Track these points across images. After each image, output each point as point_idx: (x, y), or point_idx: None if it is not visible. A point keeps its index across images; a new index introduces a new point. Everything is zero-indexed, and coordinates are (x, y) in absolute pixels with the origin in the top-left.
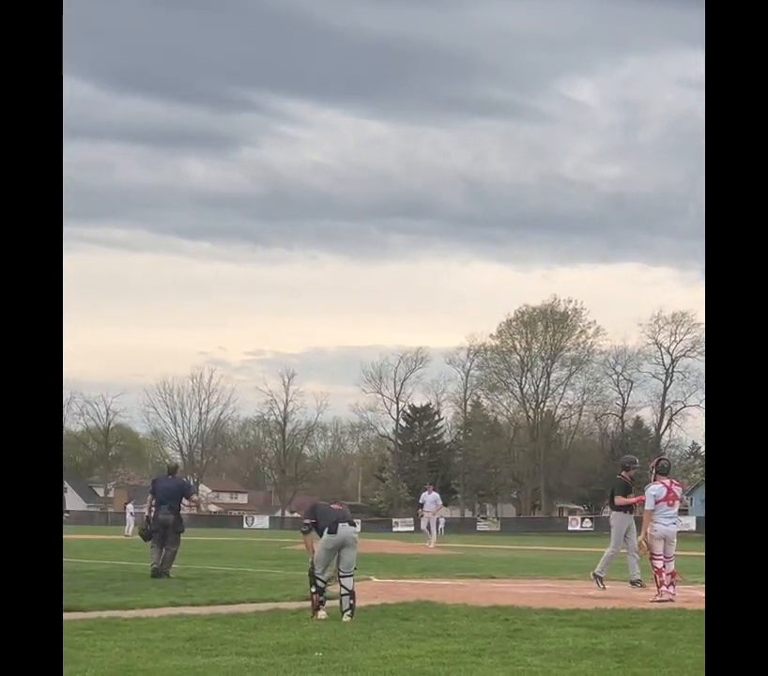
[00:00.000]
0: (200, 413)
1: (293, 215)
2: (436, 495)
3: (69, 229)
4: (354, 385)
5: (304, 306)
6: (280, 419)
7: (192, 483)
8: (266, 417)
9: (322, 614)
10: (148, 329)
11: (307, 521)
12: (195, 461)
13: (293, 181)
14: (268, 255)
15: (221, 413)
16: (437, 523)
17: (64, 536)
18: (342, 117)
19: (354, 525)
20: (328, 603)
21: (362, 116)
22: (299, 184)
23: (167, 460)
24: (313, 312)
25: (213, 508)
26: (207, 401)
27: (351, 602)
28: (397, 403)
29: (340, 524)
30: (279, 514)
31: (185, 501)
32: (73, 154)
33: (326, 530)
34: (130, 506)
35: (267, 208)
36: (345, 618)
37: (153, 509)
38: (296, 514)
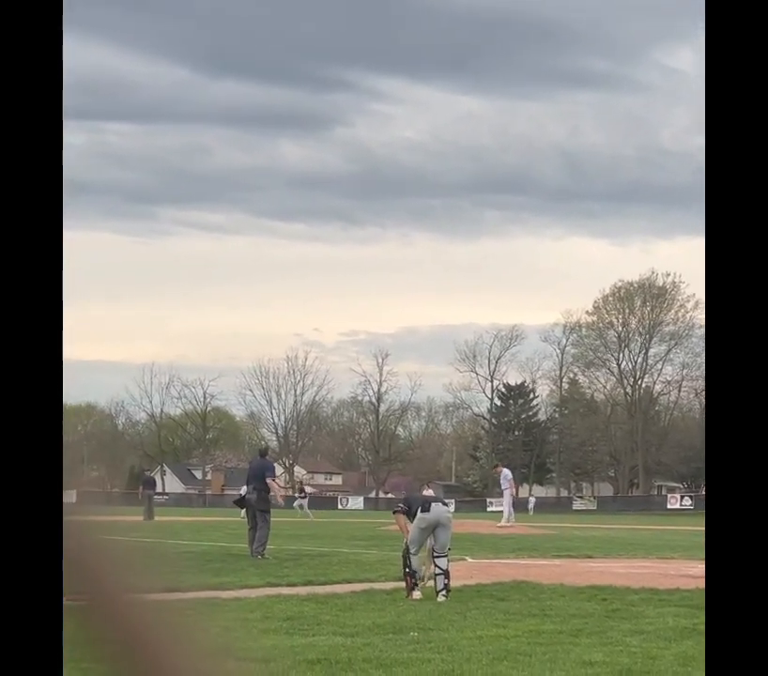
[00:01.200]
0: (295, 395)
1: (386, 193)
2: (508, 471)
3: (165, 213)
4: (448, 364)
5: (397, 285)
6: (374, 399)
7: (274, 464)
8: (360, 398)
9: (417, 594)
10: (244, 312)
11: (400, 505)
12: (290, 443)
13: (386, 159)
14: (361, 235)
15: (315, 395)
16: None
17: (163, 518)
18: (435, 93)
19: (447, 505)
20: (424, 584)
21: (456, 92)
22: (392, 162)
23: (261, 442)
24: (406, 291)
25: (308, 489)
26: (301, 383)
27: (446, 582)
28: (492, 381)
29: (433, 503)
30: (373, 494)
31: (268, 482)
32: (169, 138)
33: (419, 509)
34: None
35: (360, 188)
36: (440, 598)
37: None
38: (390, 495)
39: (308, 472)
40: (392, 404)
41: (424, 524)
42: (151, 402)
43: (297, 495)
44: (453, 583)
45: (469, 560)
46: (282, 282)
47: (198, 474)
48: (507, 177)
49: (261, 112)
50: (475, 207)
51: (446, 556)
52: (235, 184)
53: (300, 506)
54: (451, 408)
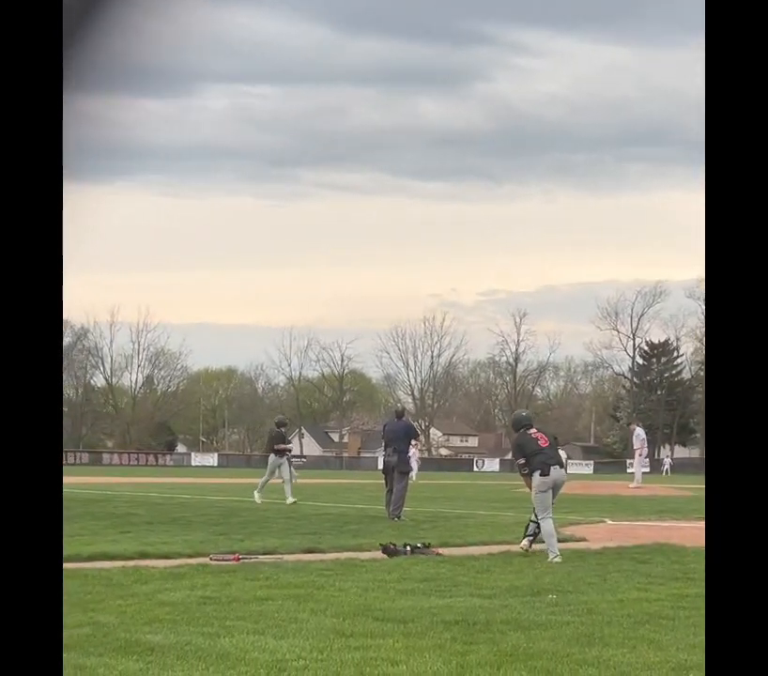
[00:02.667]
0: (432, 357)
1: (527, 150)
2: (641, 431)
3: (305, 175)
4: (588, 322)
5: (537, 243)
6: (511, 360)
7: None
8: (497, 358)
9: (524, 543)
10: (381, 273)
11: (520, 461)
12: (426, 405)
13: (527, 114)
14: (501, 192)
15: (452, 356)
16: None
17: (301, 481)
18: (578, 45)
19: (564, 467)
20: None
21: (600, 42)
22: (534, 117)
23: (398, 404)
24: (546, 248)
25: (444, 452)
26: (438, 344)
27: (536, 530)
28: (634, 339)
29: (552, 467)
30: (509, 456)
31: (412, 443)
32: (308, 100)
33: (538, 472)
34: (413, 451)
35: (500, 144)
36: (524, 542)
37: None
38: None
39: (444, 434)
40: (530, 364)
41: (545, 487)
42: (290, 365)
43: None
44: (593, 545)
45: (609, 522)
46: (420, 242)
47: (335, 437)
48: (651, 130)
49: (400, 70)
50: (618, 161)
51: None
52: (373, 144)
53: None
54: (590, 368)
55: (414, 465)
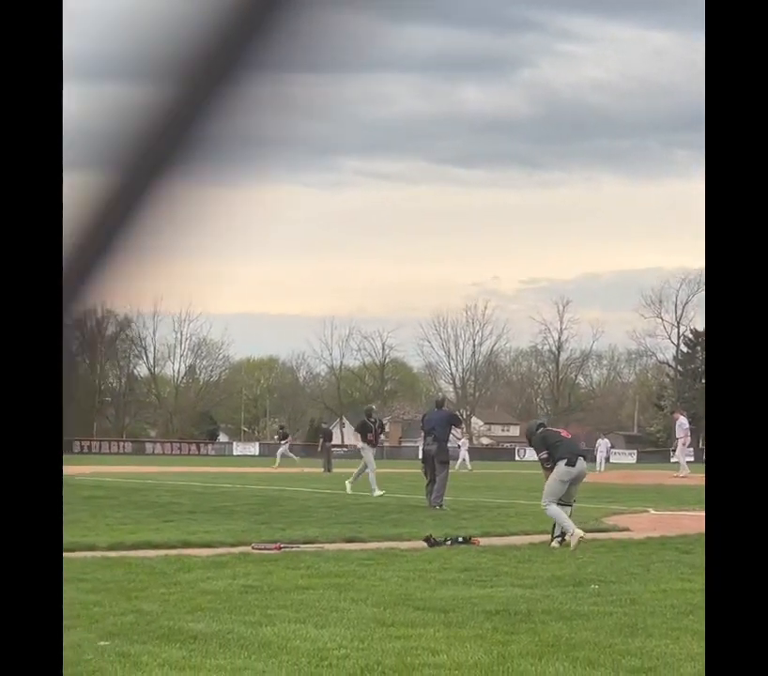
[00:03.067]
0: (473, 345)
1: (571, 136)
2: (684, 420)
3: (346, 163)
4: (632, 310)
5: (580, 230)
6: (553, 348)
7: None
8: (539, 347)
9: (555, 544)
10: (423, 262)
11: (543, 455)
12: (468, 394)
13: (572, 101)
14: (544, 179)
15: (494, 344)
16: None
17: (342, 470)
18: (624, 30)
19: (586, 458)
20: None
21: (647, 27)
22: (579, 103)
23: (439, 393)
24: (589, 236)
25: (485, 441)
26: (480, 332)
27: (562, 532)
28: (678, 327)
29: (579, 458)
30: None
31: (455, 432)
32: (350, 87)
33: (565, 461)
34: (463, 441)
35: (544, 131)
36: (554, 543)
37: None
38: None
39: (485, 423)
40: (573, 352)
41: (567, 477)
42: (331, 354)
43: (280, 441)
44: (636, 536)
45: (652, 511)
46: (461, 230)
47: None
48: (697, 115)
49: (444, 56)
50: (664, 146)
51: (571, 506)
52: (415, 132)
53: (282, 454)
54: (634, 356)
55: (465, 454)
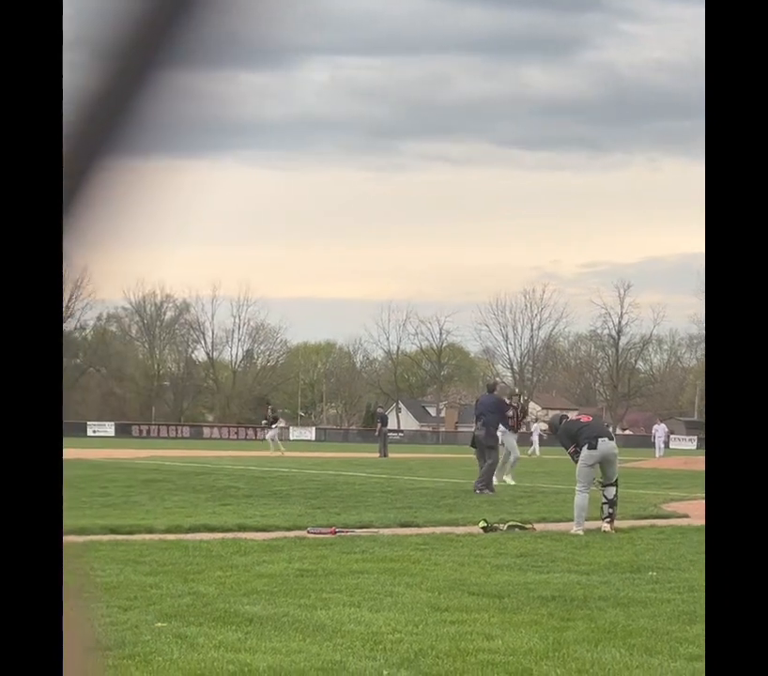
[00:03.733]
0: (531, 329)
1: (634, 118)
2: None
3: (407, 147)
4: (693, 295)
5: (642, 213)
6: (613, 332)
7: (506, 400)
8: (599, 331)
9: (606, 527)
10: (483, 245)
11: (570, 451)
12: (525, 379)
13: (634, 82)
14: (606, 162)
15: (552, 329)
16: None
17: (397, 455)
18: (688, 9)
19: (613, 439)
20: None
21: None
22: (642, 84)
23: (494, 378)
24: (651, 219)
25: (543, 426)
26: (538, 317)
27: (610, 510)
28: None
29: (600, 439)
30: (611, 430)
31: (509, 418)
32: (410, 70)
33: (586, 446)
34: (536, 425)
35: (606, 112)
36: (604, 525)
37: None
38: (628, 431)
39: (542, 408)
40: (633, 337)
41: (591, 461)
42: (388, 339)
43: (268, 425)
44: (696, 522)
45: None
46: (522, 212)
47: (432, 411)
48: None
49: (504, 38)
50: None
51: (614, 485)
52: (477, 114)
53: (272, 439)
54: (695, 340)
55: (536, 439)
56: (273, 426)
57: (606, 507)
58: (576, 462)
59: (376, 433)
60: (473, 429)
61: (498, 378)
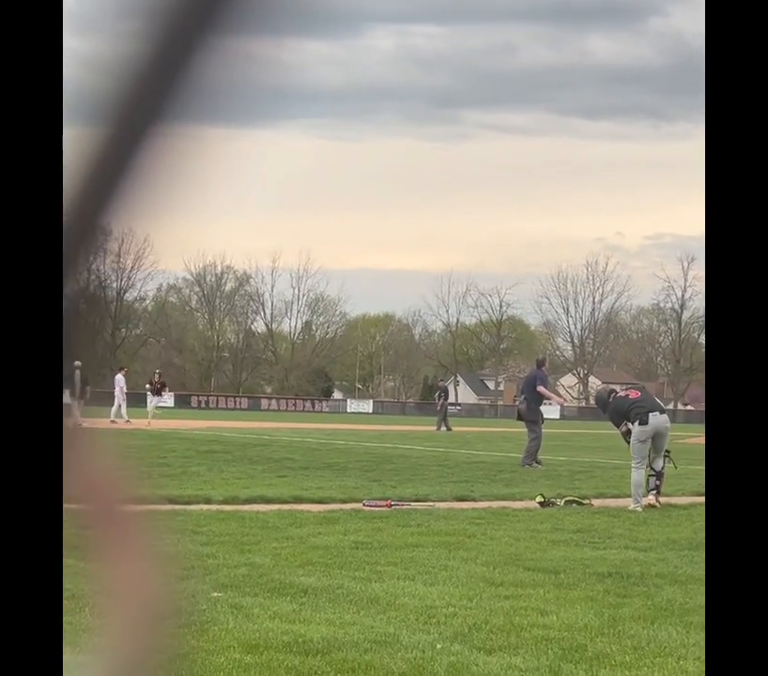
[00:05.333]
0: (593, 302)
1: (700, 86)
2: None
3: (469, 116)
4: None
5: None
6: (676, 306)
7: (546, 375)
8: (662, 304)
9: (651, 499)
10: (545, 216)
11: (622, 429)
12: (586, 352)
13: (701, 50)
14: (671, 131)
15: (614, 302)
16: None
17: (456, 428)
18: None
19: (664, 412)
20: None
21: None
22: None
23: (540, 354)
24: None
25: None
26: (600, 289)
27: (657, 483)
28: None
29: (651, 414)
30: (671, 406)
31: (541, 391)
32: (474, 38)
33: (637, 422)
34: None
35: (672, 81)
36: (650, 498)
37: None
38: (689, 407)
39: (603, 382)
40: (696, 311)
41: (644, 436)
42: (447, 311)
43: (150, 393)
44: None
45: None
46: (585, 184)
47: (490, 385)
48: None
49: (569, 6)
50: None
51: (662, 457)
52: (540, 83)
53: (153, 406)
54: None
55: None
56: (163, 395)
57: (652, 479)
58: (628, 441)
59: (439, 407)
60: (517, 403)
61: (541, 354)
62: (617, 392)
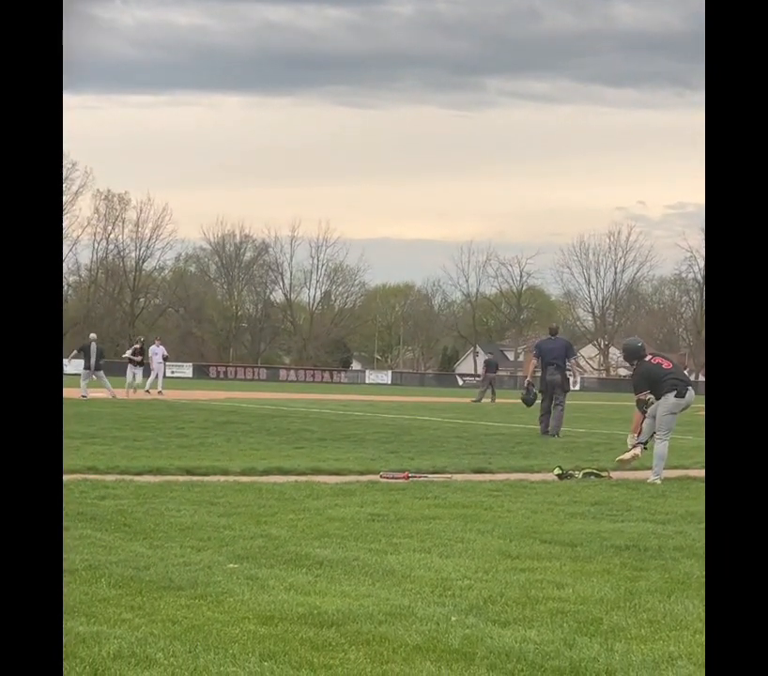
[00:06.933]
0: (615, 272)
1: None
2: None
3: (492, 83)
4: None
5: None
6: (699, 277)
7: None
8: (684, 275)
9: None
10: (567, 185)
11: (643, 396)
12: (607, 323)
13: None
14: (695, 100)
15: (636, 272)
16: None
17: (473, 401)
18: None
19: (691, 385)
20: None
21: None
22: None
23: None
24: None
25: (623, 372)
26: (623, 259)
27: (643, 444)
28: None
29: (686, 389)
30: (693, 377)
31: (569, 363)
32: (498, 4)
33: (674, 393)
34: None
35: (697, 49)
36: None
37: (535, 373)
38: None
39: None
40: None
41: (678, 409)
42: (467, 281)
43: (130, 359)
44: None
45: None
46: (607, 152)
47: (510, 355)
48: None
49: None
50: None
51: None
52: (563, 50)
53: (134, 375)
54: None
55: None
56: (136, 360)
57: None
58: (643, 409)
59: (482, 378)
60: (545, 374)
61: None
62: (646, 354)
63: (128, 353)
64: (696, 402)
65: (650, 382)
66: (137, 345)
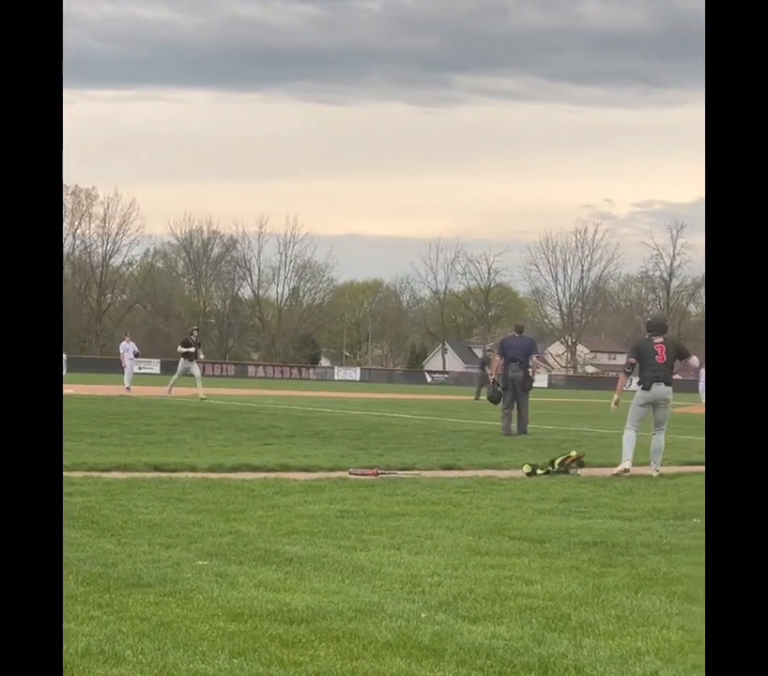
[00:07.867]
0: (582, 270)
1: (692, 52)
2: None
3: (457, 80)
4: None
5: (699, 151)
6: (665, 274)
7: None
8: (650, 273)
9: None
10: (534, 182)
11: (630, 360)
12: (574, 320)
13: (695, 14)
14: (662, 98)
15: (603, 270)
16: None
17: (443, 397)
18: None
19: (670, 385)
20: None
21: None
22: (701, 17)
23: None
24: None
25: (590, 369)
26: (589, 257)
27: (657, 458)
28: None
29: (655, 383)
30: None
31: (531, 360)
32: (466, 0)
33: (641, 386)
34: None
35: (664, 47)
36: (654, 473)
37: (500, 370)
38: (677, 376)
39: (591, 351)
40: (685, 279)
41: (642, 401)
42: (435, 278)
43: (187, 353)
44: None
45: None
46: (574, 150)
47: (479, 352)
48: None
49: None
50: None
51: (662, 432)
52: (530, 47)
53: (186, 370)
54: None
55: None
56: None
57: (656, 456)
58: (627, 371)
59: (478, 377)
60: (507, 371)
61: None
62: (658, 338)
63: (184, 348)
64: (680, 400)
65: (637, 357)
66: (192, 337)
